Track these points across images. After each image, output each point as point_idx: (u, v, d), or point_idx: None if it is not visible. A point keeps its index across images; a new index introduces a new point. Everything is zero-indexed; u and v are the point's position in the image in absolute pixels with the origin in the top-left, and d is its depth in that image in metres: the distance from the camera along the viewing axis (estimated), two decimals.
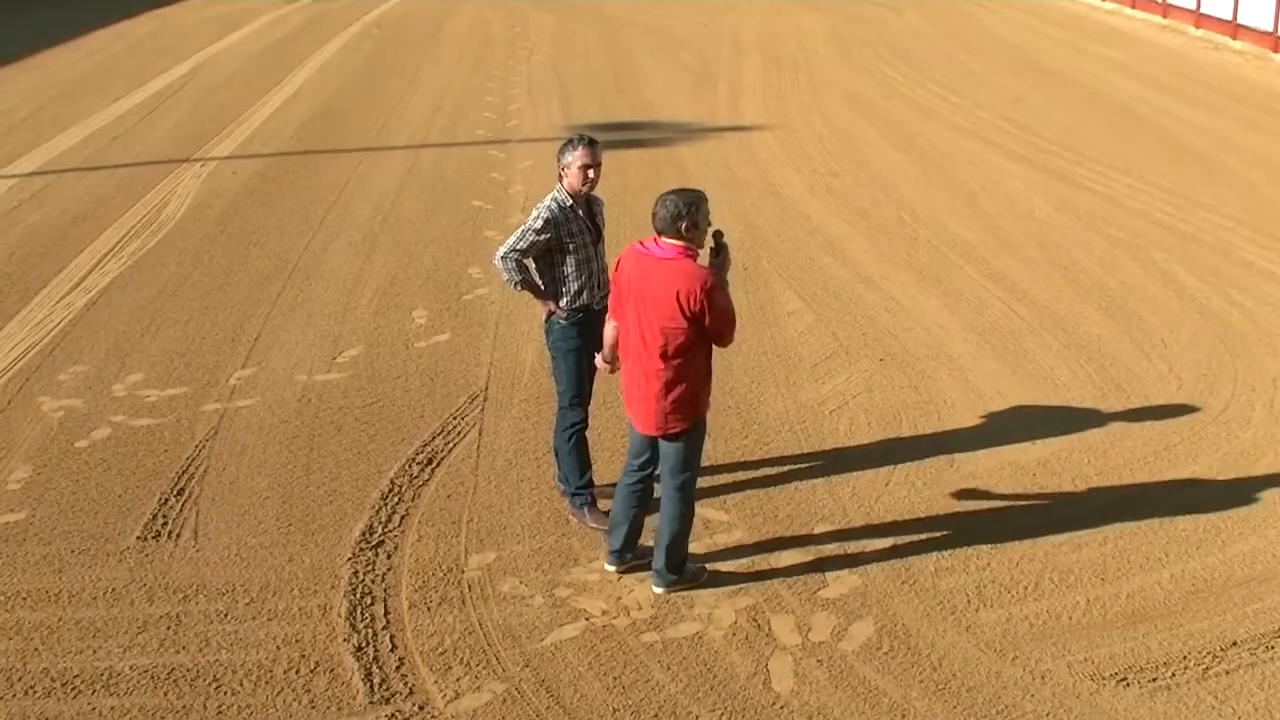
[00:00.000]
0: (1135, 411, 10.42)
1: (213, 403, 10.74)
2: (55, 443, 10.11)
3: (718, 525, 8.82)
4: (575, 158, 8.60)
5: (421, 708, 7.06)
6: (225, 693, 7.19)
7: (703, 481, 9.35)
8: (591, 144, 8.66)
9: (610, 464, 9.37)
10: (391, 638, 7.64)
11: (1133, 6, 32.96)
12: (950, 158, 18.35)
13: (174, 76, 25.28)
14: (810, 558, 8.41)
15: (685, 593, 8.02)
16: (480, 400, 10.73)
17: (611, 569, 8.28)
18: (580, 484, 8.88)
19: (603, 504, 8.73)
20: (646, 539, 8.47)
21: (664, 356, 7.63)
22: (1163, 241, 14.53)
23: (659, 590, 8.03)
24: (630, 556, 8.28)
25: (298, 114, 21.80)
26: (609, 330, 8.19)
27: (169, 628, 7.75)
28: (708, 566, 8.23)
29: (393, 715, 7.01)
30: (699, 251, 7.70)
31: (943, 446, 9.88)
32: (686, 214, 7.58)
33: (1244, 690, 7.13)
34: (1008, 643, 7.55)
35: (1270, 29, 26.98)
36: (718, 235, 7.83)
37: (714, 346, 7.79)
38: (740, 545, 8.56)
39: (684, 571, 8.09)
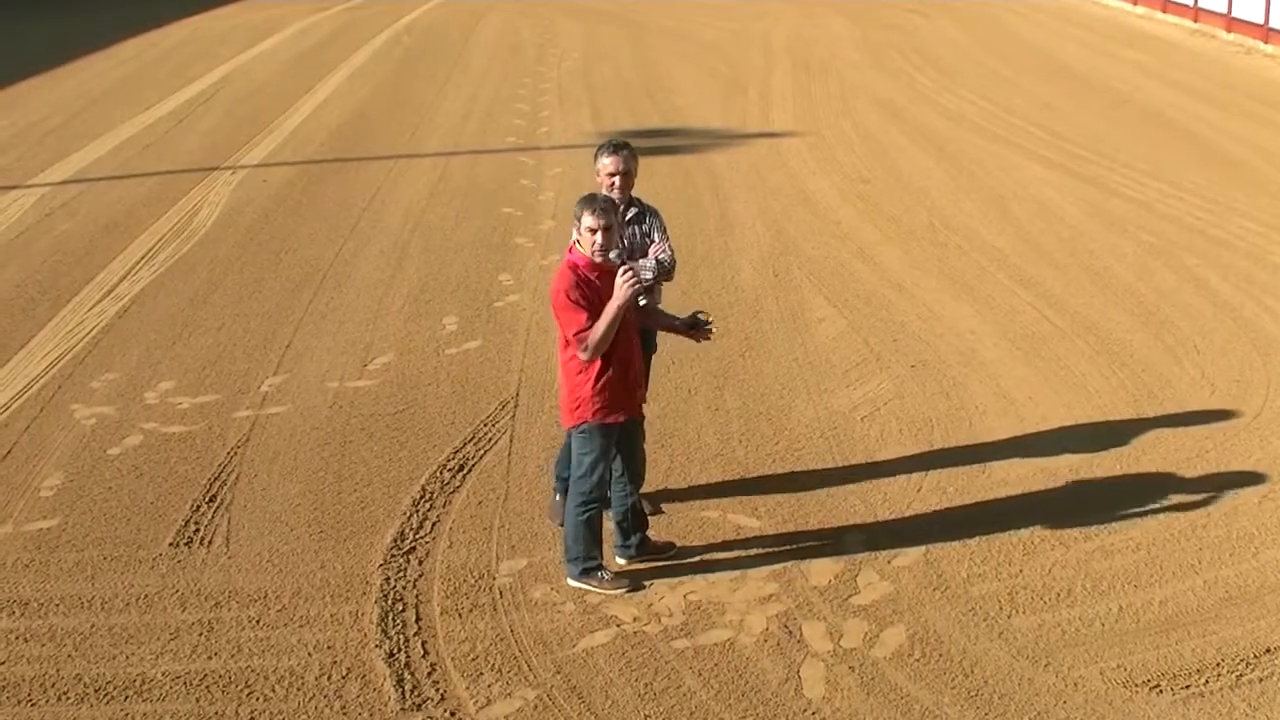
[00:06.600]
0: (1168, 418, 10.37)
1: (244, 410, 10.77)
2: (88, 450, 10.15)
3: (749, 531, 8.81)
4: (600, 166, 8.57)
5: (453, 714, 7.06)
6: (257, 699, 7.21)
7: (734, 488, 9.38)
8: (616, 150, 8.55)
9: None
10: (423, 644, 7.65)
11: (1163, 10, 32.85)
12: (981, 164, 18.31)
13: (205, 84, 25.40)
14: (842, 564, 8.39)
15: (714, 599, 8.02)
16: (511, 407, 10.75)
17: (622, 562, 8.43)
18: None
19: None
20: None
21: (561, 349, 8.08)
22: (1194, 247, 14.47)
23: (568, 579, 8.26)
24: (632, 546, 8.45)
25: (328, 121, 21.88)
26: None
27: (201, 634, 7.78)
28: (645, 582, 8.24)
29: None
30: (583, 253, 7.92)
31: (974, 453, 9.86)
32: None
33: (1278, 697, 7.08)
34: (1040, 649, 7.52)
35: None
36: (617, 258, 7.97)
37: (615, 354, 7.95)
38: (772, 551, 8.55)
39: (580, 570, 8.16)
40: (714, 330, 8.28)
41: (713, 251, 14.49)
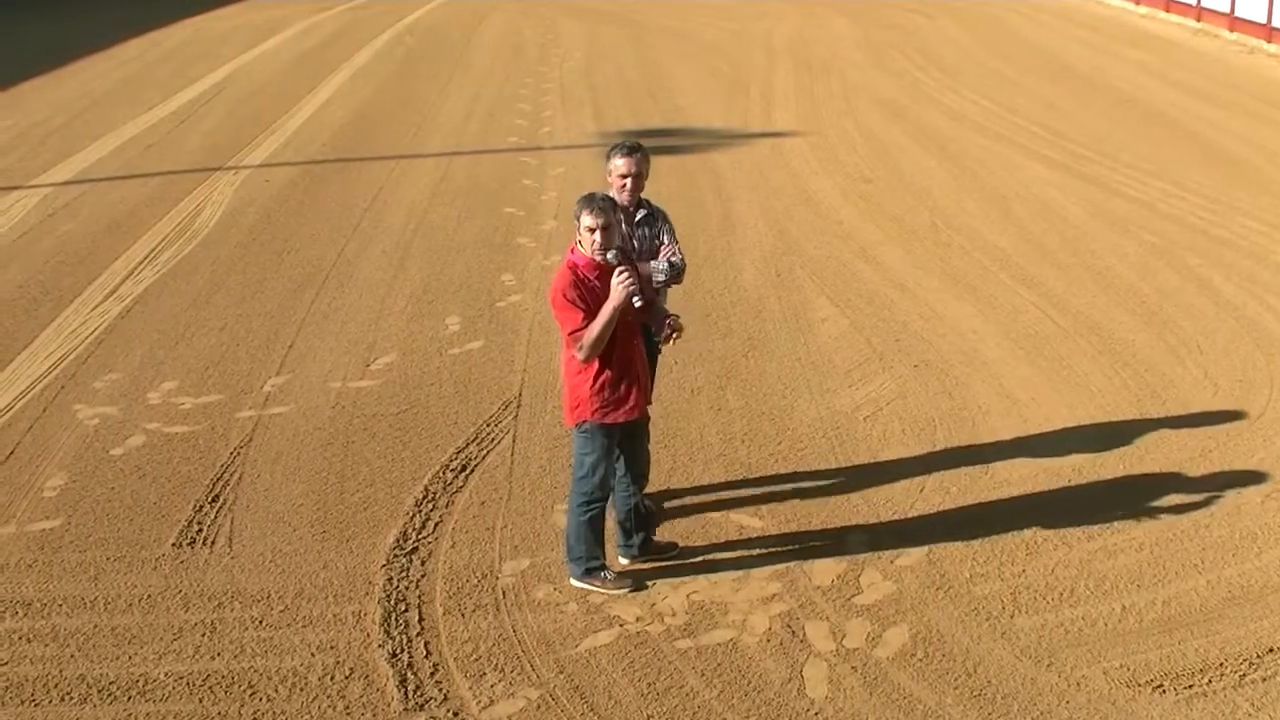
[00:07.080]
0: (1170, 418, 10.37)
1: (247, 410, 10.78)
2: (90, 450, 10.15)
3: (752, 531, 8.81)
4: (612, 167, 8.52)
5: (456, 714, 7.06)
6: (260, 699, 7.21)
7: (737, 488, 9.39)
8: (630, 152, 8.48)
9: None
10: (426, 644, 7.65)
11: (1166, 10, 32.84)
12: (983, 163, 18.31)
13: (207, 85, 25.41)
14: (844, 564, 8.39)
15: (716, 599, 8.02)
16: (514, 407, 10.75)
17: (624, 562, 8.42)
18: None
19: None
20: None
21: (563, 349, 8.07)
22: (1197, 246, 14.46)
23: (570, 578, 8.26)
24: (634, 546, 8.43)
25: (330, 121, 21.88)
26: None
27: (204, 634, 7.78)
28: (647, 582, 8.25)
29: None
30: (584, 253, 7.87)
31: (977, 453, 9.85)
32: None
33: None
34: (1043, 649, 7.52)
35: None
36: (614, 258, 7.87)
37: (615, 354, 7.93)
38: (774, 551, 8.55)
39: (583, 570, 8.16)
40: (672, 335, 8.20)
41: (715, 251, 14.49)
